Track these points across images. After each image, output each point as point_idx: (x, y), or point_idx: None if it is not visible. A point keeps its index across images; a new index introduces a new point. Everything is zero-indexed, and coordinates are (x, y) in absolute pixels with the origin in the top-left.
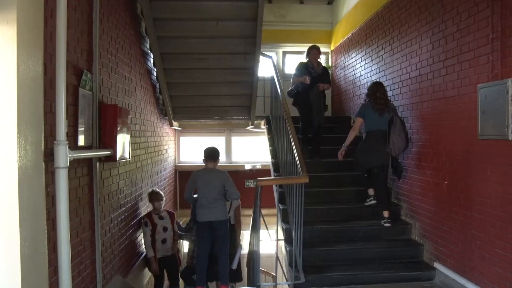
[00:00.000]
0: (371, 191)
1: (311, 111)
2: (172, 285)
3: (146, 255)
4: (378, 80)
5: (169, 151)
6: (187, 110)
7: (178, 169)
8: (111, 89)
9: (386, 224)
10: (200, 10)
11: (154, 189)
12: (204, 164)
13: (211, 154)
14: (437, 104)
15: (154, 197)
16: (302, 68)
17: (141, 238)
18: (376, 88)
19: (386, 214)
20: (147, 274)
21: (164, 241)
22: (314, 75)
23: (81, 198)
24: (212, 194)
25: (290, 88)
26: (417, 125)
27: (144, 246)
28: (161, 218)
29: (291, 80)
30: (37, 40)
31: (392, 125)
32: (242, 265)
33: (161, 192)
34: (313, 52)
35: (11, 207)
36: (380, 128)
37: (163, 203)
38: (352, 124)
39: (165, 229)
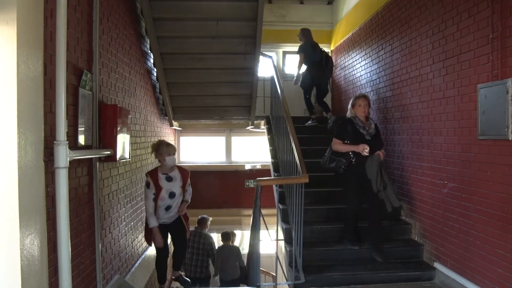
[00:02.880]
0: (313, 116)
1: (368, 191)
2: (177, 255)
3: (146, 224)
4: (378, 80)
5: None
6: (187, 110)
7: None
8: (111, 89)
9: (309, 122)
10: (200, 10)
11: (162, 139)
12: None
13: (226, 236)
14: (437, 104)
15: (162, 150)
16: (349, 128)
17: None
18: (308, 31)
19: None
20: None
21: (168, 208)
22: (368, 138)
23: (81, 198)
24: (231, 262)
25: (331, 159)
26: (417, 125)
27: (146, 213)
28: (169, 179)
29: (331, 144)
30: (37, 40)
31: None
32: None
33: (173, 144)
34: (362, 102)
35: (11, 207)
36: (316, 60)
37: (174, 158)
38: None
39: (171, 195)
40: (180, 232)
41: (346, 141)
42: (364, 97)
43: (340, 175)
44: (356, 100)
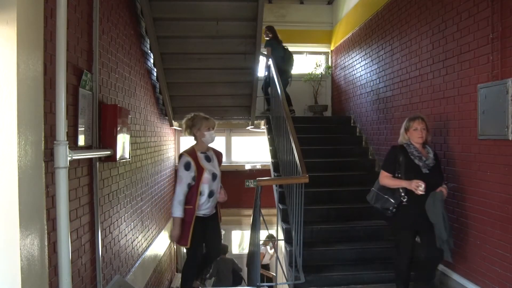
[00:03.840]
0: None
1: (428, 239)
2: (205, 262)
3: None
4: (378, 80)
5: (169, 151)
6: (187, 110)
7: None
8: (111, 89)
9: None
10: (200, 10)
11: (198, 113)
12: None
13: (223, 249)
14: (437, 104)
15: (201, 123)
16: (401, 158)
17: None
18: (273, 27)
19: None
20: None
21: (211, 194)
22: (426, 172)
23: (81, 198)
24: (225, 273)
25: (378, 197)
26: None
27: (174, 200)
28: (208, 159)
29: (379, 178)
30: (37, 40)
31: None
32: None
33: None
34: (419, 126)
35: (11, 207)
36: (279, 55)
37: (214, 135)
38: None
39: (214, 176)
40: (216, 234)
41: (396, 174)
42: (421, 119)
43: (388, 219)
44: (410, 123)
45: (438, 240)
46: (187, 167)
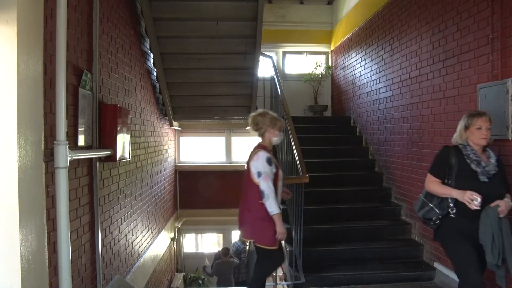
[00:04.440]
0: None
1: (479, 261)
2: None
3: (266, 221)
4: (378, 80)
5: (169, 151)
6: (187, 110)
7: (178, 169)
8: (111, 89)
9: None
10: (200, 10)
11: (267, 111)
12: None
13: (224, 252)
14: (437, 104)
15: (275, 123)
16: (453, 160)
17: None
18: None
19: None
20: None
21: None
22: (484, 180)
23: (81, 198)
24: (227, 275)
25: (424, 204)
26: (417, 125)
27: (268, 197)
28: (274, 157)
29: (426, 185)
30: (37, 40)
31: None
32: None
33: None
34: (484, 124)
35: (11, 207)
36: None
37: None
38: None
39: (282, 175)
40: None
41: (447, 180)
42: (487, 116)
43: (436, 233)
44: (473, 119)
45: (489, 263)
46: (269, 161)
